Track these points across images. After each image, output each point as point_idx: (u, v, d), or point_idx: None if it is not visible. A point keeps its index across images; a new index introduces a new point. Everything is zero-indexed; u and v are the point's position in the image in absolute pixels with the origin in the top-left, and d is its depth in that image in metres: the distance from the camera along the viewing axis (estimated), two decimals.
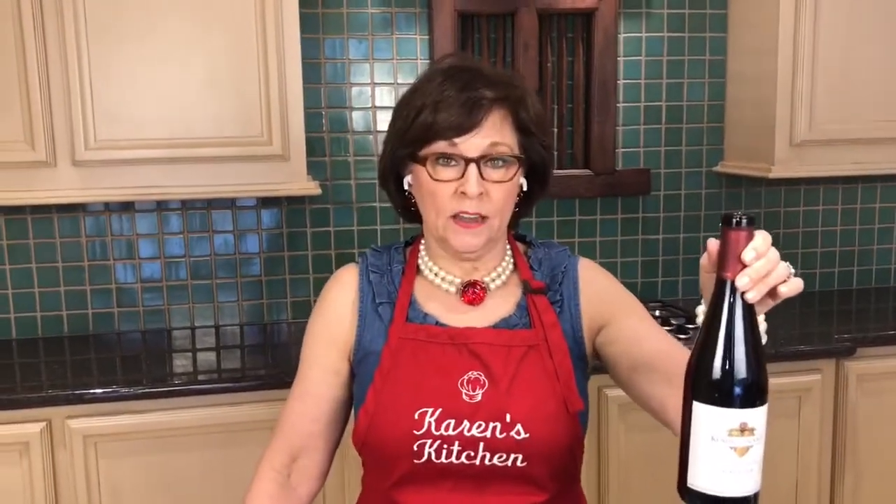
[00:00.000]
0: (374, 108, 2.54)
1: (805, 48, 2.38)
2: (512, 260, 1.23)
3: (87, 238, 2.46)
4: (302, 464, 1.21)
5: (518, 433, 1.10)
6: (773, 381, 2.61)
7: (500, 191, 1.13)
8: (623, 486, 2.20)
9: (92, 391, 2.02)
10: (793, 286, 0.88)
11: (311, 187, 2.26)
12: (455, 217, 1.12)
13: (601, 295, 1.21)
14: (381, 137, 2.47)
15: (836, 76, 2.41)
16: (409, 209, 1.23)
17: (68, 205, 2.38)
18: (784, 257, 0.86)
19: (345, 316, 1.21)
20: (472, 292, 1.19)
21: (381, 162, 1.22)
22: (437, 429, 1.10)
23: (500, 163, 1.13)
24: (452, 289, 1.20)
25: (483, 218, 1.12)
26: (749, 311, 0.83)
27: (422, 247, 1.24)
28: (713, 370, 0.82)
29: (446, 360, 1.14)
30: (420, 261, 1.23)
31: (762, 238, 0.84)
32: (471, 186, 1.10)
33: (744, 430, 0.81)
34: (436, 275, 1.21)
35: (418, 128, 1.12)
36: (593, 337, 1.20)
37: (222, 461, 2.08)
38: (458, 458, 1.11)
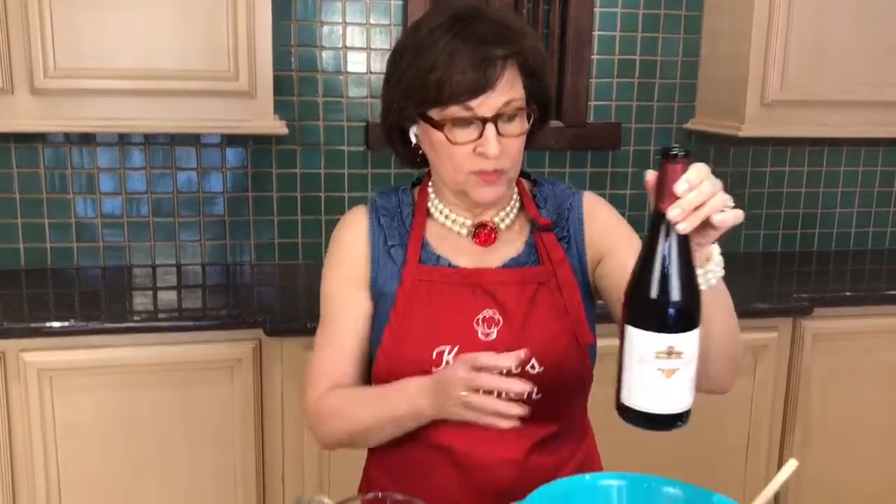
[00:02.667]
0: (346, 48, 2.49)
1: (780, 8, 2.37)
2: (518, 199, 1.25)
3: (46, 170, 2.40)
4: None
5: (532, 367, 1.13)
6: None
7: (515, 144, 1.15)
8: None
9: (48, 324, 1.99)
10: (727, 217, 0.89)
11: (278, 126, 2.22)
12: (474, 173, 1.14)
13: (602, 229, 1.24)
14: (352, 79, 2.44)
15: (809, 37, 2.41)
16: (415, 159, 1.23)
17: (26, 134, 2.32)
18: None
19: (360, 256, 1.22)
20: (484, 234, 1.21)
21: (384, 116, 1.22)
22: None
23: (513, 115, 1.14)
24: (464, 231, 1.22)
25: (501, 172, 1.14)
26: (682, 241, 0.87)
27: (430, 189, 1.25)
28: (643, 296, 0.87)
29: (461, 300, 1.17)
30: (430, 204, 1.24)
31: (696, 170, 0.86)
32: (491, 148, 1.11)
33: (671, 353, 0.85)
34: (446, 217, 1.23)
35: (430, 88, 1.11)
36: (594, 270, 1.23)
37: (181, 400, 2.07)
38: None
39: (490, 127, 1.11)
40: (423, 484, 1.03)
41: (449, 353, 1.15)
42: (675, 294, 0.86)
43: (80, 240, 2.46)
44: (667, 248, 0.86)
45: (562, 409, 1.19)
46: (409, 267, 1.19)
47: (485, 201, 1.17)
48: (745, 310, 2.29)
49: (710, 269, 0.98)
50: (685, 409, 0.89)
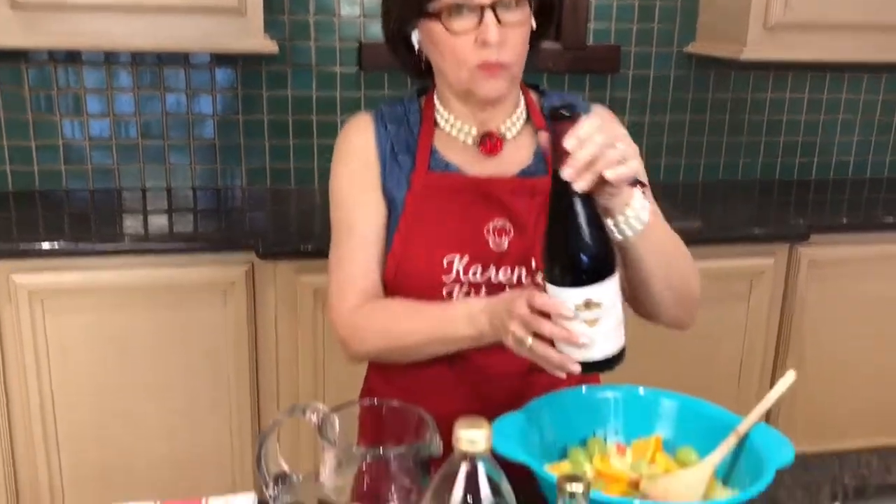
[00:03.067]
0: None
1: None
2: (525, 109, 1.23)
3: (31, 90, 2.34)
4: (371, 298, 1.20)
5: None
6: (726, 265, 2.64)
7: (518, 36, 1.11)
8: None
9: (38, 246, 1.96)
10: (622, 172, 0.91)
11: (268, 45, 2.16)
12: (478, 66, 1.11)
13: None
14: None
15: None
16: (419, 67, 1.21)
17: (8, 52, 2.25)
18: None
19: (370, 157, 1.20)
20: (490, 143, 1.19)
21: (385, 23, 1.20)
22: (465, 274, 1.14)
23: (513, 4, 1.10)
24: (470, 140, 1.20)
25: (503, 65, 1.11)
26: (583, 197, 0.89)
27: (436, 99, 1.23)
28: (553, 255, 0.90)
29: (471, 208, 1.15)
30: (436, 113, 1.22)
31: (588, 124, 0.87)
32: (491, 33, 1.08)
33: (589, 304, 0.89)
34: (452, 126, 1.20)
35: None
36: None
37: (174, 322, 2.06)
38: None
39: (489, 13, 1.08)
40: (422, 393, 1.02)
41: (459, 262, 1.14)
42: (581, 249, 0.89)
43: (68, 162, 2.41)
44: (567, 206, 0.89)
45: None
46: (418, 173, 1.17)
47: (489, 96, 1.14)
48: (742, 235, 2.28)
49: (630, 216, 0.99)
50: (615, 352, 0.93)
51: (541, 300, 0.93)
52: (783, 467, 0.91)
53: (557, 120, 0.88)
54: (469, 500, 0.69)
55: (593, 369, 0.94)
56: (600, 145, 0.87)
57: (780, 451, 0.93)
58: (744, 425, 0.97)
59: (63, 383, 2.04)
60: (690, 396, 1.06)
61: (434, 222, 1.15)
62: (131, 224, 2.24)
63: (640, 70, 2.66)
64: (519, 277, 1.14)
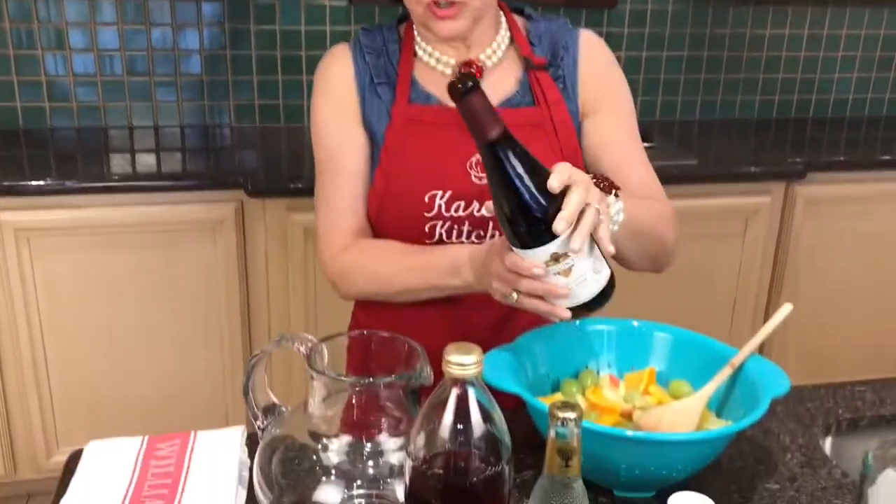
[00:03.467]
0: None
1: None
2: (508, 34, 1.17)
3: (11, 23, 2.27)
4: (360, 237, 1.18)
5: None
6: (722, 202, 2.61)
7: None
8: None
9: (24, 183, 1.92)
10: (604, 235, 0.90)
11: None
12: (427, 6, 1.05)
13: (596, 78, 1.17)
14: None
15: None
16: None
17: None
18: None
19: (350, 88, 1.15)
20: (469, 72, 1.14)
21: None
22: (447, 210, 1.11)
23: None
24: (448, 70, 1.15)
25: (457, 3, 1.05)
26: (519, 154, 0.86)
27: (415, 28, 1.17)
28: (509, 221, 0.87)
29: (453, 142, 1.11)
30: (416, 43, 1.17)
31: (574, 200, 0.85)
32: None
33: (557, 258, 0.87)
34: (430, 55, 1.15)
35: None
36: (581, 118, 1.17)
37: (163, 261, 2.03)
38: (468, 237, 1.12)
39: None
40: (408, 327, 1.00)
41: (441, 198, 1.10)
42: (531, 209, 0.85)
43: (52, 99, 2.36)
44: (505, 173, 0.85)
45: None
46: (398, 105, 1.13)
47: (444, 36, 1.08)
48: (738, 173, 2.25)
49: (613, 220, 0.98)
50: (602, 288, 0.91)
51: (510, 262, 0.90)
52: (778, 397, 0.90)
53: (459, 101, 0.84)
54: (459, 427, 0.67)
55: (586, 309, 0.92)
56: (590, 219, 0.86)
57: (776, 382, 0.92)
58: (739, 357, 0.95)
59: (52, 321, 2.02)
60: (684, 329, 1.05)
61: (415, 158, 1.12)
62: (118, 163, 2.20)
63: (637, 5, 2.60)
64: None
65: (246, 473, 0.93)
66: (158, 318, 2.07)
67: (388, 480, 0.77)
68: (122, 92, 2.39)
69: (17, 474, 2.14)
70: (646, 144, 1.22)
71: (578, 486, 0.73)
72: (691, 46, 2.68)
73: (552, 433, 0.71)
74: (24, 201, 1.93)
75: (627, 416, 0.95)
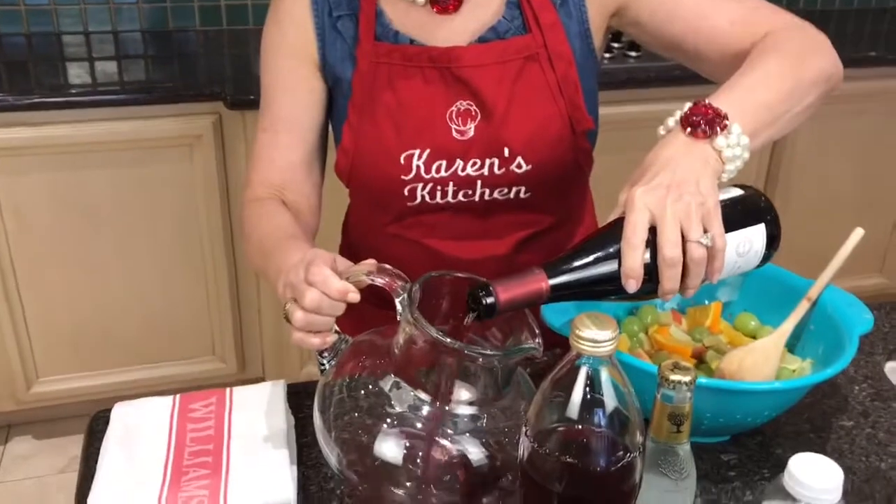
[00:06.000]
0: None
1: None
2: None
3: None
4: (290, 199, 1.02)
5: (519, 167, 0.96)
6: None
7: None
8: None
9: None
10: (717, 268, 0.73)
11: None
12: None
13: None
14: None
15: None
16: None
17: None
18: None
19: (304, 23, 0.98)
20: None
21: None
22: (427, 172, 0.96)
23: None
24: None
25: None
26: (575, 273, 0.70)
27: None
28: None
29: (429, 89, 0.96)
30: None
31: (629, 257, 0.69)
32: None
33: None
34: None
35: None
36: (605, 23, 1.00)
37: (135, 180, 1.90)
38: (454, 196, 0.98)
39: None
40: (398, 260, 0.88)
41: (419, 158, 0.95)
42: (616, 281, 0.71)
43: None
44: (580, 286, 0.70)
45: (554, 202, 1.02)
46: (363, 46, 0.96)
47: None
48: None
49: (732, 170, 0.76)
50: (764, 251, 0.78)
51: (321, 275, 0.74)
52: (865, 334, 0.85)
53: (480, 316, 0.69)
54: (588, 411, 0.59)
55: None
56: (698, 258, 0.70)
57: (858, 317, 0.87)
58: (815, 289, 0.90)
59: (23, 250, 1.89)
60: None
61: (387, 110, 0.96)
62: (77, 73, 2.02)
63: None
64: (491, 168, 0.95)
65: (293, 434, 0.86)
66: (136, 242, 1.95)
67: (461, 441, 0.71)
68: None
69: None
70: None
71: (685, 450, 0.68)
72: None
73: (661, 397, 0.65)
74: None
75: (698, 357, 0.89)
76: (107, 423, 0.86)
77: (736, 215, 0.75)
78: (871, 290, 2.52)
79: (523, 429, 0.62)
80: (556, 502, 0.60)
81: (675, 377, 0.63)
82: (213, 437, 0.84)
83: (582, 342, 0.58)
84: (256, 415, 0.87)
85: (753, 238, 0.76)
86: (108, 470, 0.80)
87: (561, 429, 0.61)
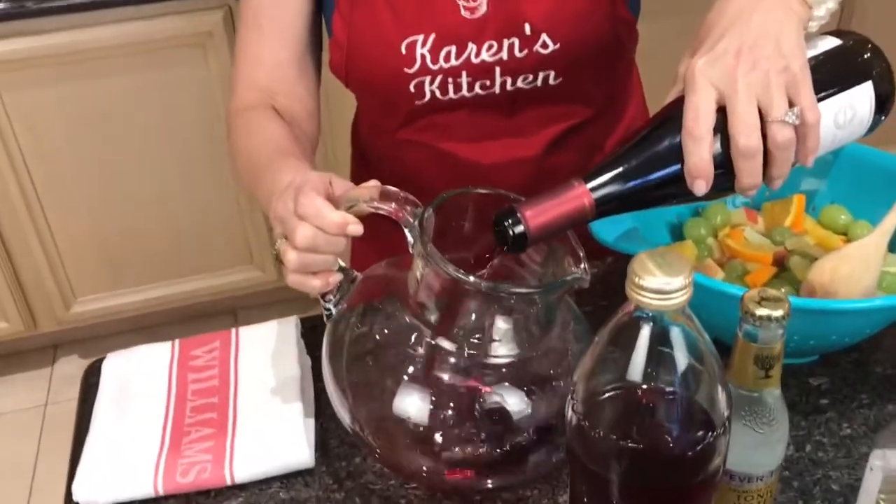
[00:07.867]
0: None
1: None
2: None
3: None
4: (282, 104, 0.88)
5: (544, 46, 0.79)
6: None
7: None
8: None
9: None
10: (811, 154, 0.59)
11: None
12: None
13: None
14: None
15: None
16: None
17: None
18: None
19: None
20: None
21: None
22: (435, 61, 0.81)
23: None
24: None
25: None
26: (624, 180, 0.57)
27: None
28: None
29: None
30: None
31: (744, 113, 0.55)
32: None
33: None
34: None
35: None
36: None
37: (151, 85, 1.78)
38: (469, 89, 0.83)
39: None
40: (415, 188, 0.74)
41: (423, 45, 0.80)
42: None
43: None
44: (632, 194, 0.56)
45: (591, 89, 0.87)
46: None
47: None
48: None
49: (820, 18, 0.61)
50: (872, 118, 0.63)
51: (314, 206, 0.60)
52: None
53: (509, 250, 0.56)
54: (654, 380, 0.45)
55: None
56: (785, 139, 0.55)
57: None
58: None
59: (40, 165, 1.80)
60: None
61: None
62: None
63: None
64: (510, 50, 0.80)
65: (310, 378, 0.75)
66: (158, 151, 1.85)
67: (498, 392, 0.59)
68: None
69: (37, 328, 2.02)
70: None
71: (776, 395, 0.54)
72: None
73: (744, 334, 0.51)
74: None
75: (780, 264, 0.75)
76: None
77: (832, 75, 0.60)
78: None
79: (569, 399, 0.49)
80: (614, 491, 0.48)
81: (761, 311, 0.49)
82: (217, 389, 0.74)
83: (644, 293, 0.43)
84: (266, 359, 0.76)
85: (857, 102, 0.61)
86: (98, 440, 0.71)
87: (619, 403, 0.47)
